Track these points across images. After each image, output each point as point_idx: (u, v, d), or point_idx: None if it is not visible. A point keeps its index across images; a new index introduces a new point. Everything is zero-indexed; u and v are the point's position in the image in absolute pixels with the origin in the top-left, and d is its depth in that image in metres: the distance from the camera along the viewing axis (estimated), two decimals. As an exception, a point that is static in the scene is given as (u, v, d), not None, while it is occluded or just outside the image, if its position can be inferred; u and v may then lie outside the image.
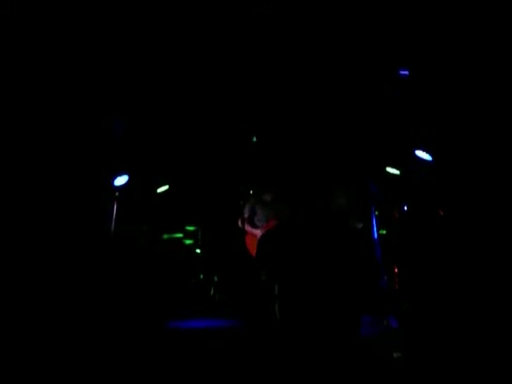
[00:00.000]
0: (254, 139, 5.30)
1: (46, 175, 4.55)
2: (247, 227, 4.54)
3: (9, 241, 4.13)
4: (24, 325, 3.55)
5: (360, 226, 4.00)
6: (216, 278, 5.30)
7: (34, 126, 4.50)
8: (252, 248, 4.35)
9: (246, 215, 4.58)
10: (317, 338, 2.46)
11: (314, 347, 2.40)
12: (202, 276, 5.39)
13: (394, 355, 3.13)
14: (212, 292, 5.27)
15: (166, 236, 5.58)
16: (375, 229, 4.31)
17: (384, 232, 4.91)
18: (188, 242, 5.65)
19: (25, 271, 4.16)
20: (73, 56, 4.41)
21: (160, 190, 5.47)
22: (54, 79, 4.45)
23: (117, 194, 4.95)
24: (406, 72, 4.64)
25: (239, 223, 4.66)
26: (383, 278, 4.27)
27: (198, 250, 5.58)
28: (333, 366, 2.37)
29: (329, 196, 4.13)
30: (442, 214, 5.01)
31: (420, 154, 4.96)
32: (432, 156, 4.93)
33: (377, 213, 4.37)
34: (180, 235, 5.64)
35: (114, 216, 4.93)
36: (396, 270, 4.89)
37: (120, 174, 4.94)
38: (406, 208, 5.15)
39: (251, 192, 4.88)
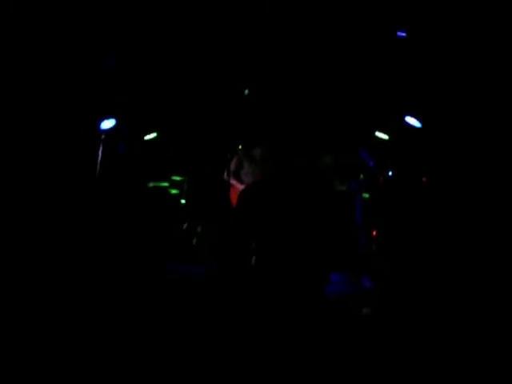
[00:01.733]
0: (246, 92, 5.23)
1: (33, 112, 4.47)
2: (232, 180, 4.59)
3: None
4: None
5: (343, 188, 4.07)
6: (199, 229, 5.38)
7: (22, 62, 4.36)
8: (235, 201, 4.41)
9: (232, 168, 4.61)
10: (285, 290, 2.56)
11: (282, 298, 2.49)
12: (185, 225, 5.47)
13: (364, 311, 3.23)
14: (194, 241, 5.36)
15: (151, 184, 5.59)
16: (359, 192, 4.38)
17: (367, 196, 4.99)
18: (174, 191, 5.67)
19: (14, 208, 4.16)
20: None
21: (147, 137, 5.41)
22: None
23: (103, 136, 4.88)
24: (403, 33, 4.55)
25: (225, 176, 4.70)
26: (361, 239, 4.38)
27: (183, 200, 5.61)
28: (297, 318, 2.47)
29: (316, 157, 4.16)
30: (425, 181, 5.09)
31: (410, 120, 4.96)
32: (422, 123, 4.94)
33: (362, 176, 4.42)
34: (166, 184, 5.65)
35: (99, 160, 4.89)
36: (375, 233, 5.02)
37: (107, 117, 4.85)
38: (391, 173, 5.21)
39: (240, 146, 4.87)
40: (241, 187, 4.32)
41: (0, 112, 4.34)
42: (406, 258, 4.61)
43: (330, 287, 3.13)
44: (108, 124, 4.86)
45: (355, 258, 4.18)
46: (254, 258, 2.74)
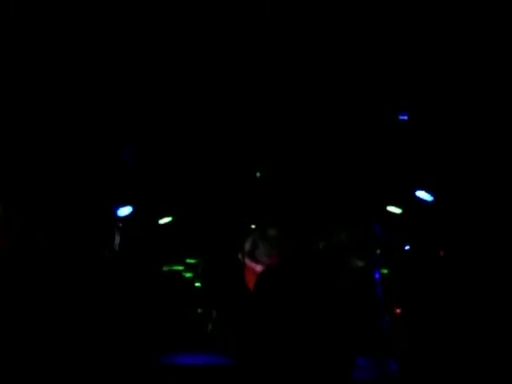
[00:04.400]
0: (258, 174, 5.37)
1: (54, 199, 4.59)
2: (247, 261, 4.54)
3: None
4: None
5: (361, 264, 4.00)
6: (214, 313, 5.24)
7: (44, 146, 4.57)
8: (251, 282, 4.33)
9: (247, 248, 4.58)
10: (310, 376, 2.43)
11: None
12: (200, 310, 5.33)
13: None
14: (210, 327, 5.19)
15: (166, 268, 5.56)
16: (377, 268, 4.29)
17: (385, 272, 4.88)
18: (188, 274, 5.62)
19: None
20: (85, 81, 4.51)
21: (162, 221, 5.49)
22: (65, 100, 4.54)
23: (120, 224, 4.98)
24: (405, 117, 4.76)
25: (239, 256, 4.66)
26: (385, 318, 4.20)
27: (198, 284, 5.53)
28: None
29: (331, 234, 4.14)
30: (442, 254, 4.99)
31: (421, 194, 5.01)
32: (433, 196, 4.97)
33: (379, 252, 4.36)
34: (180, 267, 5.62)
35: (117, 246, 4.94)
36: (397, 311, 4.82)
37: (124, 205, 4.98)
38: (407, 248, 5.14)
39: (254, 226, 4.90)
40: (256, 267, 4.26)
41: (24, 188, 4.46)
42: (431, 338, 4.39)
43: (356, 373, 2.97)
44: (125, 211, 4.99)
45: (379, 339, 3.99)
46: (275, 344, 2.63)
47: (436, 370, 3.65)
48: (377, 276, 4.20)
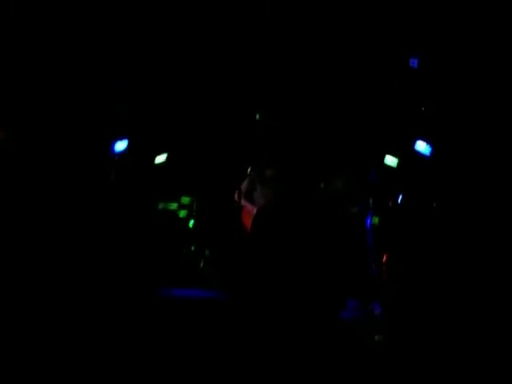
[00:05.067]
0: (258, 116, 5.30)
1: (47, 132, 4.54)
2: (244, 202, 4.58)
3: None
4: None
5: (355, 210, 4.06)
6: (207, 252, 5.35)
7: (35, 74, 4.47)
8: (247, 223, 4.40)
9: (244, 189, 4.62)
10: (299, 315, 2.53)
11: (296, 324, 2.47)
12: (193, 248, 5.43)
13: (376, 338, 3.22)
14: (202, 264, 5.32)
15: (160, 205, 5.59)
16: (369, 216, 4.36)
17: (377, 220, 4.96)
18: (182, 212, 5.67)
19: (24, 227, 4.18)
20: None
21: (158, 158, 5.45)
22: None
23: (116, 158, 4.94)
24: (415, 63, 4.64)
25: (236, 197, 4.70)
26: (372, 265, 4.33)
27: (192, 222, 5.60)
28: (311, 344, 2.43)
29: (327, 179, 4.17)
30: (436, 207, 5.07)
31: (420, 146, 4.99)
32: (432, 149, 4.96)
33: (371, 200, 4.41)
34: (175, 205, 5.65)
35: (111, 181, 4.93)
36: (385, 259, 4.96)
37: (120, 139, 4.91)
38: (400, 198, 5.20)
39: (251, 167, 4.89)
40: (252, 208, 4.32)
41: (14, 128, 4.41)
42: (415, 286, 4.55)
43: (343, 313, 3.10)
44: (121, 146, 4.93)
45: (366, 283, 4.13)
46: (269, 281, 2.71)
47: (418, 318, 3.81)
48: (368, 223, 4.28)
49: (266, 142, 5.04)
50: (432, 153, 4.97)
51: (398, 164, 5.10)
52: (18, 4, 4.23)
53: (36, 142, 4.59)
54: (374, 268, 4.34)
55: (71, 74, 4.70)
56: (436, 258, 4.77)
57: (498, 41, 4.44)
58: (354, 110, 5.26)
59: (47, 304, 3.32)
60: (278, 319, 2.66)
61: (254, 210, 4.15)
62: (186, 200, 5.64)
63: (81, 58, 4.69)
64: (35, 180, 4.53)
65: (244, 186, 4.57)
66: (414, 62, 4.68)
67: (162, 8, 4.78)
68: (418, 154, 5.03)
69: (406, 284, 4.65)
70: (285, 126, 5.32)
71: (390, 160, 5.11)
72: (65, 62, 4.64)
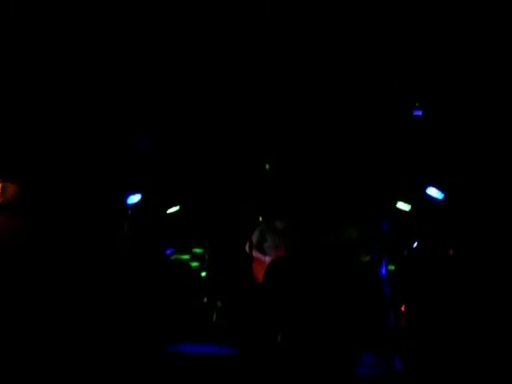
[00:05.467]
0: (267, 166, 5.36)
1: (64, 185, 4.64)
2: (255, 253, 4.55)
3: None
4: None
5: (367, 259, 3.98)
6: (220, 303, 5.25)
7: (55, 132, 4.62)
8: (258, 274, 4.34)
9: (254, 240, 4.59)
10: (313, 370, 2.42)
11: (310, 379, 2.36)
12: (205, 300, 5.34)
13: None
14: (214, 317, 5.20)
15: (173, 257, 5.57)
16: (384, 264, 4.27)
17: (393, 268, 4.85)
18: (194, 264, 5.63)
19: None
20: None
21: (170, 210, 5.50)
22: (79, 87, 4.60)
23: (129, 212, 5.00)
24: (420, 113, 4.72)
25: (247, 248, 4.68)
26: (390, 316, 4.17)
27: (204, 273, 5.54)
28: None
29: (339, 229, 4.13)
30: (452, 253, 4.95)
31: (432, 191, 4.95)
32: (444, 195, 4.92)
33: (385, 249, 4.34)
34: (187, 257, 5.63)
35: (126, 235, 4.97)
36: (403, 309, 4.79)
37: (134, 193, 4.99)
38: (415, 245, 5.10)
39: (261, 218, 4.89)
40: (264, 259, 4.27)
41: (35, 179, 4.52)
42: (437, 337, 4.36)
43: (361, 369, 2.97)
44: (135, 199, 5.00)
45: (385, 336, 3.97)
46: (281, 336, 2.63)
47: (440, 370, 3.63)
48: (383, 272, 4.18)
49: (276, 193, 5.07)
50: (445, 198, 4.93)
51: (411, 210, 5.05)
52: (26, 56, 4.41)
53: (50, 195, 4.69)
54: (392, 319, 4.19)
55: (86, 129, 4.86)
56: (456, 305, 4.61)
57: (501, 82, 4.51)
58: (364, 158, 5.30)
59: (58, 363, 3.26)
60: (291, 375, 2.55)
61: (265, 261, 4.11)
62: (197, 251, 5.63)
63: (96, 112, 4.86)
64: (49, 234, 4.59)
65: (254, 237, 4.56)
66: (418, 112, 4.76)
67: (172, 62, 4.96)
68: (431, 198, 4.99)
69: (427, 336, 4.47)
70: (294, 176, 5.35)
71: (403, 206, 5.08)
72: (80, 117, 4.82)
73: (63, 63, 4.61)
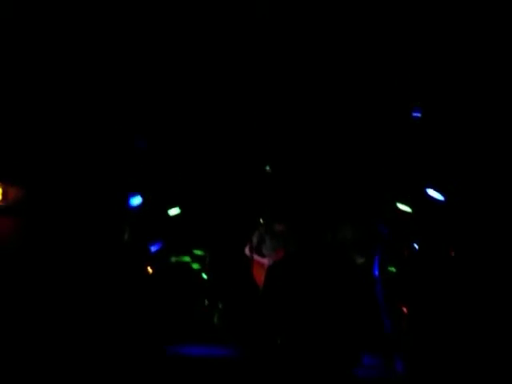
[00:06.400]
0: (268, 168, 5.37)
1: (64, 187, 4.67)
2: (254, 255, 4.57)
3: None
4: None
5: (361, 260, 3.97)
6: (220, 305, 5.26)
7: (55, 136, 4.66)
8: (258, 276, 4.36)
9: (254, 243, 4.62)
10: (315, 371, 2.43)
11: (310, 379, 2.37)
12: (206, 302, 5.36)
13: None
14: (215, 319, 5.22)
15: (173, 259, 5.59)
16: (377, 266, 4.25)
17: (393, 270, 4.83)
18: (195, 265, 5.65)
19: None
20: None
21: (171, 212, 5.52)
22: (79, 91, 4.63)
23: (130, 213, 5.02)
24: (419, 114, 4.71)
25: (247, 251, 4.71)
26: (385, 317, 4.15)
27: (205, 275, 5.56)
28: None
29: (335, 230, 4.13)
30: (452, 254, 4.93)
31: (432, 192, 4.94)
32: (444, 196, 4.91)
33: (382, 250, 4.33)
34: (187, 259, 5.65)
35: (127, 236, 5.00)
36: (405, 311, 4.77)
37: (135, 194, 5.02)
38: (416, 246, 5.08)
39: (261, 221, 4.91)
40: (263, 261, 4.30)
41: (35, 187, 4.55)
42: (439, 338, 4.34)
43: (362, 371, 2.96)
44: (135, 201, 5.03)
45: (383, 338, 3.96)
46: (282, 337, 2.64)
47: (442, 371, 3.62)
48: (377, 274, 4.16)
49: (275, 196, 5.08)
50: (445, 199, 4.91)
51: (411, 211, 5.04)
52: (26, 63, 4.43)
53: (52, 198, 4.72)
54: (388, 321, 4.17)
55: (87, 131, 4.89)
56: (457, 306, 4.59)
57: (501, 83, 4.49)
58: (361, 159, 5.29)
59: (59, 364, 3.29)
60: (291, 376, 2.55)
61: (264, 263, 4.14)
62: (198, 253, 5.65)
63: (96, 114, 4.89)
64: (50, 237, 4.62)
65: (254, 239, 4.58)
66: (417, 113, 4.76)
67: (173, 63, 4.98)
68: (432, 199, 4.98)
69: (428, 337, 4.45)
70: (292, 179, 5.36)
71: (404, 207, 5.06)
72: (81, 119, 4.85)
73: (63, 65, 4.65)
